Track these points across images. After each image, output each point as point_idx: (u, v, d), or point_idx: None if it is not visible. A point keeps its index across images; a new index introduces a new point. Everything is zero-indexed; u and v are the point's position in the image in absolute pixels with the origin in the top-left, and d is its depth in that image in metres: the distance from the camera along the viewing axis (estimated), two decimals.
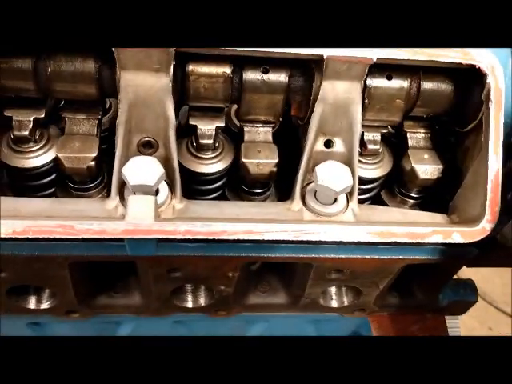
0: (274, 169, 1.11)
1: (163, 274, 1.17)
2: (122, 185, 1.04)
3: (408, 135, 1.23)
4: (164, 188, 1.05)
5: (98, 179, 1.13)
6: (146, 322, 1.43)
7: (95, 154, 1.05)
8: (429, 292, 1.43)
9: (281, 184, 1.24)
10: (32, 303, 1.27)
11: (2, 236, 0.89)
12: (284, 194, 1.24)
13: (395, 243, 1.03)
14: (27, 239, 1.00)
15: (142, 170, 0.98)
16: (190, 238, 0.94)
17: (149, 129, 1.03)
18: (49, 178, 1.13)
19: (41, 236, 0.90)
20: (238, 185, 1.21)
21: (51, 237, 0.91)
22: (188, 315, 1.40)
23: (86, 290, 1.26)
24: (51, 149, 1.10)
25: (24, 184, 1.13)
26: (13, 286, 1.19)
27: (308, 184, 1.11)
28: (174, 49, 0.93)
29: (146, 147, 1.06)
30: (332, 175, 1.02)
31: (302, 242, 1.00)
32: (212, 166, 1.15)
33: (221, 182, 1.20)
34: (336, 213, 1.07)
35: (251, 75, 1.04)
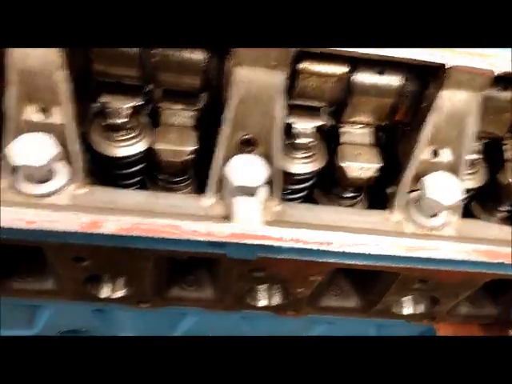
0: (375, 174, 1.07)
1: (245, 274, 1.14)
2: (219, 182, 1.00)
3: (505, 147, 1.18)
4: (263, 189, 1.01)
5: (188, 173, 1.09)
6: (212, 315, 1.41)
7: (193, 148, 1.01)
8: (503, 304, 1.40)
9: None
10: (105, 292, 1.24)
11: (109, 233, 0.86)
12: (372, 198, 1.21)
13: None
14: None
15: (247, 169, 0.94)
16: (297, 247, 0.90)
17: (252, 126, 0.98)
18: (138, 168, 1.10)
19: (146, 234, 0.87)
20: (328, 186, 1.17)
21: (156, 236, 0.88)
22: (255, 312, 1.37)
23: (161, 281, 1.23)
24: (144, 139, 1.06)
25: (112, 172, 1.09)
26: (91, 275, 1.17)
27: (409, 193, 1.06)
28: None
29: (246, 145, 1.01)
30: (441, 188, 0.97)
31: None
32: (306, 165, 1.10)
33: (310, 183, 1.16)
34: (438, 226, 1.03)
35: (365, 76, 0.99)
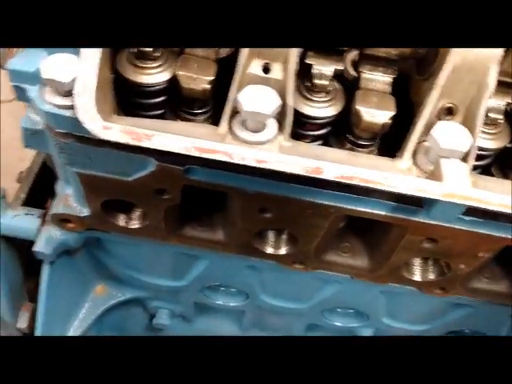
0: None
1: (416, 243, 1.17)
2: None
3: None
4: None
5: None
6: (353, 287, 1.45)
7: (394, 113, 1.06)
8: None
9: None
10: (270, 248, 1.31)
11: (330, 178, 0.92)
12: None
13: None
14: (317, 184, 1.05)
15: (453, 135, 0.98)
16: (506, 212, 0.93)
17: (458, 95, 1.01)
18: (329, 129, 1.16)
19: (364, 184, 0.92)
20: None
21: (366, 185, 0.93)
22: (397, 288, 1.40)
23: (326, 243, 1.29)
24: (338, 102, 1.11)
25: (302, 130, 1.16)
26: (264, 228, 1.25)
27: None
28: None
29: (447, 112, 1.05)
30: None
31: None
32: (492, 141, 1.12)
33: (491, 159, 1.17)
34: None
35: None
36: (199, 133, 1.02)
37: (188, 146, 0.90)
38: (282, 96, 1.01)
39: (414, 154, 1.05)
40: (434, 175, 0.97)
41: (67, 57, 0.97)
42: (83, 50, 0.93)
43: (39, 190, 1.55)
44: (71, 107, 0.95)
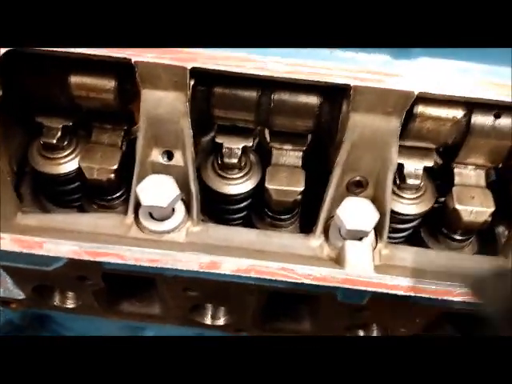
0: (489, 218, 1.03)
1: (350, 312, 1.13)
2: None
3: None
4: (372, 231, 1.00)
5: (295, 211, 1.12)
6: None
7: (303, 188, 1.03)
8: None
9: None
10: (209, 319, 1.29)
11: (227, 273, 0.90)
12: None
13: None
14: None
15: (359, 213, 0.95)
16: (413, 295, 0.89)
17: (363, 168, 0.99)
18: (246, 204, 1.14)
19: (262, 276, 0.90)
20: (436, 227, 1.14)
21: (271, 278, 0.90)
22: None
23: (261, 312, 1.26)
24: (253, 177, 1.10)
25: (221, 207, 1.14)
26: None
27: None
28: (413, 93, 0.88)
29: (356, 186, 1.02)
30: None
31: None
32: (415, 206, 1.08)
33: (417, 223, 1.14)
34: None
35: (483, 119, 0.96)
36: (106, 224, 1.02)
37: (77, 250, 0.90)
38: (186, 182, 1.00)
39: (327, 229, 1.02)
40: (339, 259, 0.93)
41: None
42: None
43: None
44: None
